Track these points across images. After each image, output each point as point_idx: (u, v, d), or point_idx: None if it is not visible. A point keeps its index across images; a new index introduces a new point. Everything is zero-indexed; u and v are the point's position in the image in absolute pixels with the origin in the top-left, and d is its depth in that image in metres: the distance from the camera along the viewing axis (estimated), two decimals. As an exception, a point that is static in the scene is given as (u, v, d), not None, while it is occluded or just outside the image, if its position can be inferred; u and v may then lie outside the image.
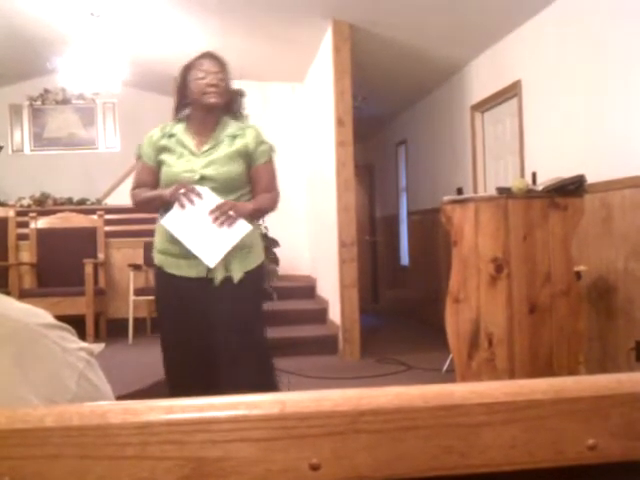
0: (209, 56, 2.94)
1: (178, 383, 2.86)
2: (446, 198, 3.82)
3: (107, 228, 6.44)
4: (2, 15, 6.93)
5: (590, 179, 3.82)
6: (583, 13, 4.54)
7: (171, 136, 2.90)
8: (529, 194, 3.62)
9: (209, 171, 2.81)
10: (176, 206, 2.72)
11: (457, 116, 6.93)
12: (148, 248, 6.35)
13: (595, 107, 4.41)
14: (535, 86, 5.22)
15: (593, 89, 4.42)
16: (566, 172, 3.90)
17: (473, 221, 3.60)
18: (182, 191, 2.70)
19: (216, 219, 2.71)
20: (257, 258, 2.91)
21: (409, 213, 8.87)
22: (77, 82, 7.27)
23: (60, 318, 0.79)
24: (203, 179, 2.79)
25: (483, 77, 6.28)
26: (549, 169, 4.55)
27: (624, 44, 4.10)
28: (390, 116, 9.39)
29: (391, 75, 7.27)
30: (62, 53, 7.09)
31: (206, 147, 2.86)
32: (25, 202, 8.34)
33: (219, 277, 2.78)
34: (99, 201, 8.80)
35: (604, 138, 4.32)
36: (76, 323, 1.13)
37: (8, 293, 5.36)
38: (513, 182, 3.75)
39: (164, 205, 2.81)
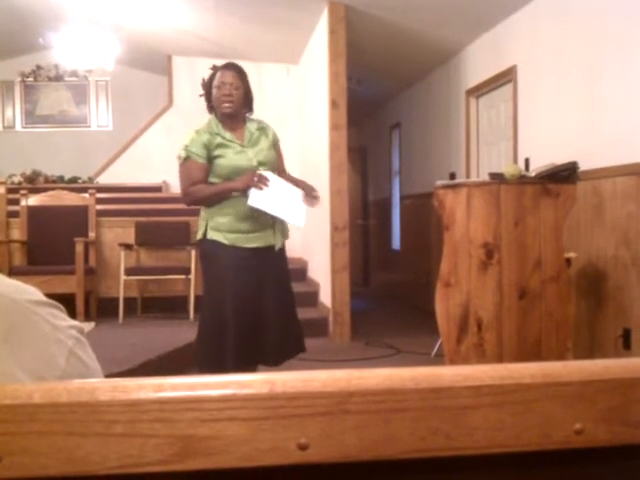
0: (228, 67, 3.50)
1: (239, 336, 3.33)
2: (439, 183, 3.82)
3: (98, 207, 6.41)
4: (-6, -11, 6.85)
5: (583, 166, 3.83)
6: (579, 0, 4.53)
7: (217, 134, 3.42)
8: (521, 180, 3.62)
9: (261, 158, 3.44)
10: (254, 190, 3.29)
11: (452, 100, 6.91)
12: (140, 228, 6.35)
13: (589, 94, 4.41)
14: (530, 72, 5.21)
15: (588, 76, 4.42)
16: (559, 159, 3.90)
17: (465, 206, 3.61)
18: (256, 179, 3.29)
19: (309, 199, 3.49)
20: (286, 232, 3.59)
21: (401, 197, 8.87)
22: (70, 59, 7.20)
23: (50, 296, 0.79)
24: (259, 164, 3.42)
25: (479, 62, 6.26)
26: (542, 155, 4.55)
27: (619, 33, 4.09)
28: (385, 99, 9.36)
29: (387, 57, 7.23)
30: (55, 29, 7.01)
31: (247, 140, 3.46)
32: (16, 179, 8.28)
33: (278, 245, 3.48)
34: (91, 179, 8.75)
35: (597, 126, 4.32)
36: (66, 301, 1.13)
37: (-2, 270, 5.34)
38: (506, 168, 3.75)
39: (230, 195, 3.36)
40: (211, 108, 3.54)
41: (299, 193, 3.51)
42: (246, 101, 3.52)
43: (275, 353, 3.44)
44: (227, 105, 3.42)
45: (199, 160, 3.39)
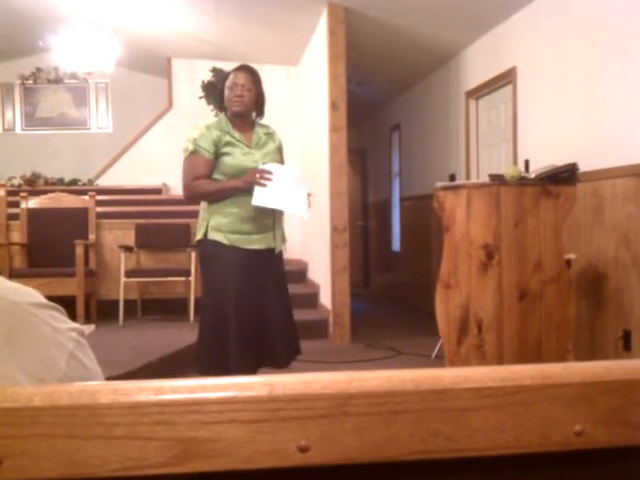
0: (242, 69, 3.51)
1: (241, 337, 3.34)
2: (439, 184, 3.82)
3: (98, 209, 6.40)
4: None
5: (582, 167, 3.83)
6: (579, 1, 4.53)
7: (227, 132, 3.42)
8: (521, 181, 3.62)
9: (267, 160, 3.45)
10: (257, 188, 3.29)
11: (452, 102, 6.91)
12: (140, 230, 6.35)
13: (589, 95, 4.41)
14: (530, 73, 5.21)
15: (588, 76, 4.42)
16: (559, 160, 3.90)
17: (465, 207, 3.61)
18: (258, 175, 3.29)
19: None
20: (284, 235, 3.61)
21: (401, 198, 8.86)
22: (70, 61, 7.21)
23: (50, 298, 0.79)
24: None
25: (478, 63, 6.26)
26: (542, 157, 4.55)
27: (619, 33, 4.09)
28: (384, 100, 9.36)
29: (386, 59, 7.23)
30: (55, 31, 7.01)
31: (254, 142, 3.48)
32: (16, 182, 8.28)
33: (278, 248, 3.50)
34: (91, 182, 8.75)
35: (597, 126, 4.32)
36: (66, 304, 1.13)
37: (-2, 273, 5.33)
38: (506, 169, 3.75)
39: (232, 194, 3.35)
40: (222, 108, 3.55)
41: (304, 181, 3.51)
42: (257, 104, 3.53)
43: (271, 355, 3.43)
44: (238, 105, 3.44)
45: (206, 155, 3.38)
